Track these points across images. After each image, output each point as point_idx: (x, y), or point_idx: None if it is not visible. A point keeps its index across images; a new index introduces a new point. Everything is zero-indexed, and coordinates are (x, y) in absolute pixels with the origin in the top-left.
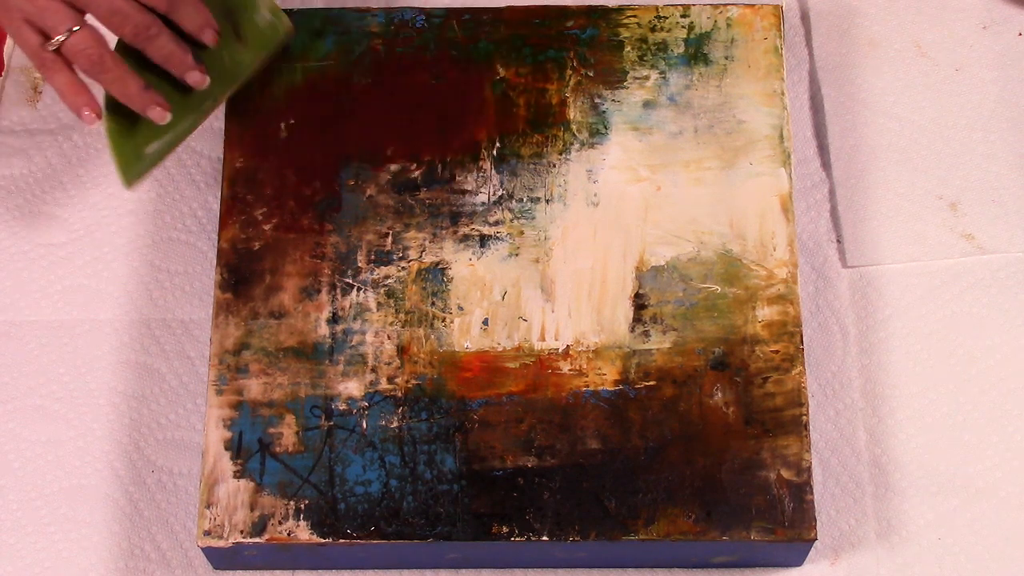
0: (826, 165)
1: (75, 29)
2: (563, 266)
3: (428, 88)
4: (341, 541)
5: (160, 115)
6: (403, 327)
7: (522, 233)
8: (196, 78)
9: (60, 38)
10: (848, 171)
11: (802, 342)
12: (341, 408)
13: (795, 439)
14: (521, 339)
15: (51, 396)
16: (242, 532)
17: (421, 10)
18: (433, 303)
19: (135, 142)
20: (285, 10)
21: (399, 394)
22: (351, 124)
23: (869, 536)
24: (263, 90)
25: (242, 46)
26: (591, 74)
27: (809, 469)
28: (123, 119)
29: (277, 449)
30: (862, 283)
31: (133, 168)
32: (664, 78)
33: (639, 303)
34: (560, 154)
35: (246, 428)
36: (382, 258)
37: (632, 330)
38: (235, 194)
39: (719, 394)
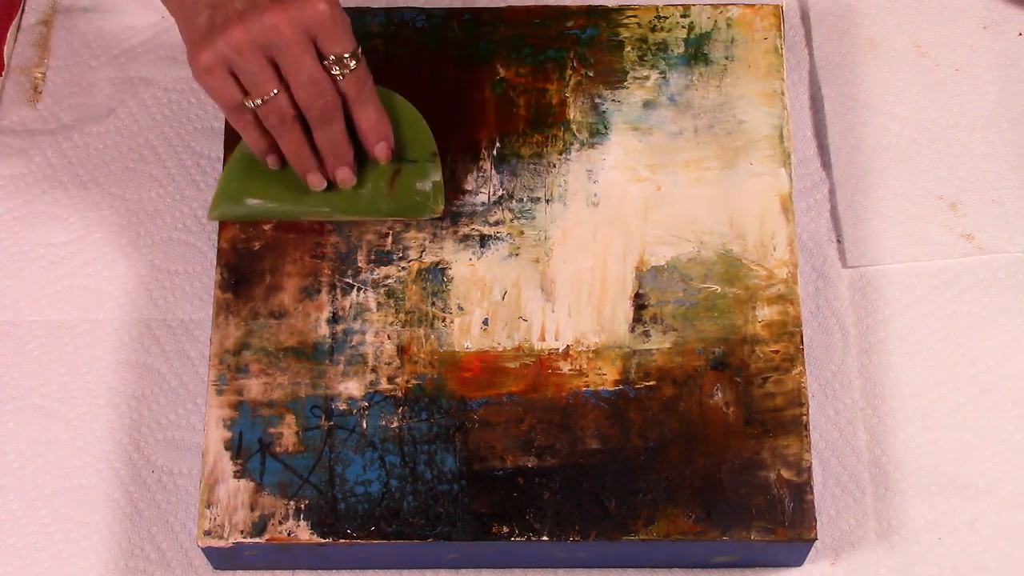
0: (826, 165)
1: (275, 93)
2: (563, 266)
3: (428, 88)
4: (341, 541)
5: (317, 181)
6: (403, 327)
7: (522, 233)
8: (345, 175)
9: (263, 99)
10: (848, 171)
11: (802, 342)
12: (341, 408)
13: (795, 439)
14: (521, 339)
15: (51, 396)
16: (242, 532)
17: (421, 10)
18: (433, 303)
19: (243, 186)
20: None
21: (399, 394)
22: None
23: (869, 536)
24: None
25: (388, 194)
26: (591, 74)
27: (809, 469)
28: (250, 162)
29: (277, 449)
30: (862, 283)
31: (224, 205)
32: (664, 78)
33: (639, 303)
34: (560, 154)
35: (246, 428)
36: (382, 258)
37: (632, 330)
38: None
39: (719, 394)
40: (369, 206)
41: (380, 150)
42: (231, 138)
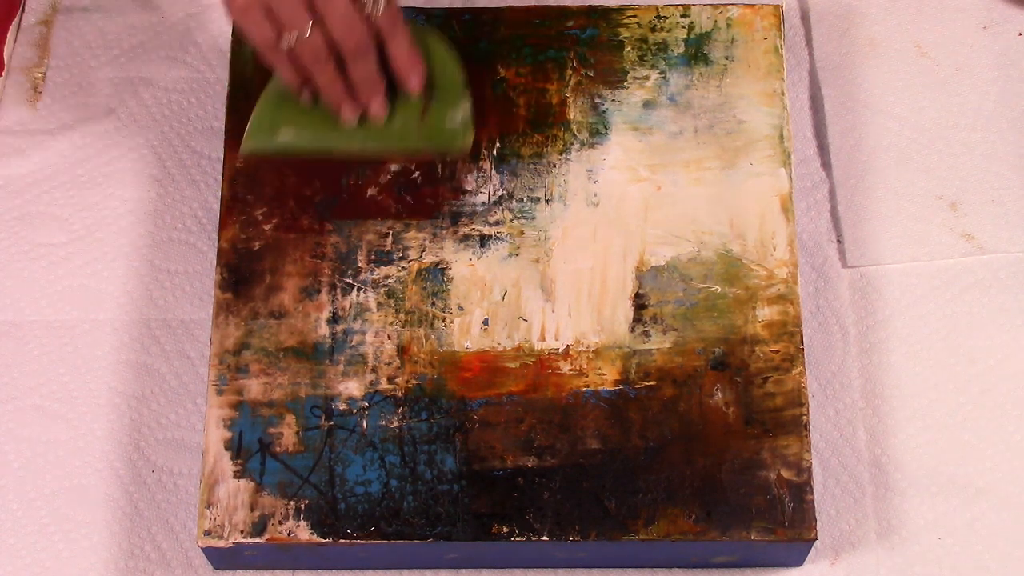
0: (826, 165)
1: (309, 30)
2: (563, 266)
3: None
4: (341, 541)
5: (351, 114)
6: (403, 327)
7: (522, 233)
8: (378, 106)
9: (296, 36)
10: (848, 171)
11: (802, 342)
12: (341, 408)
13: (795, 439)
14: (521, 339)
15: (51, 396)
16: (242, 532)
17: (421, 10)
18: (433, 303)
19: (277, 117)
20: None
21: (399, 394)
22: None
23: (869, 536)
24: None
25: (419, 127)
26: (591, 74)
27: (809, 469)
28: (283, 97)
29: (277, 449)
30: (862, 283)
31: (257, 137)
32: (664, 78)
33: (639, 303)
34: (560, 154)
35: (246, 428)
36: (382, 258)
37: (632, 330)
38: (235, 194)
39: (719, 394)
40: (400, 139)
41: (412, 83)
42: (231, 138)
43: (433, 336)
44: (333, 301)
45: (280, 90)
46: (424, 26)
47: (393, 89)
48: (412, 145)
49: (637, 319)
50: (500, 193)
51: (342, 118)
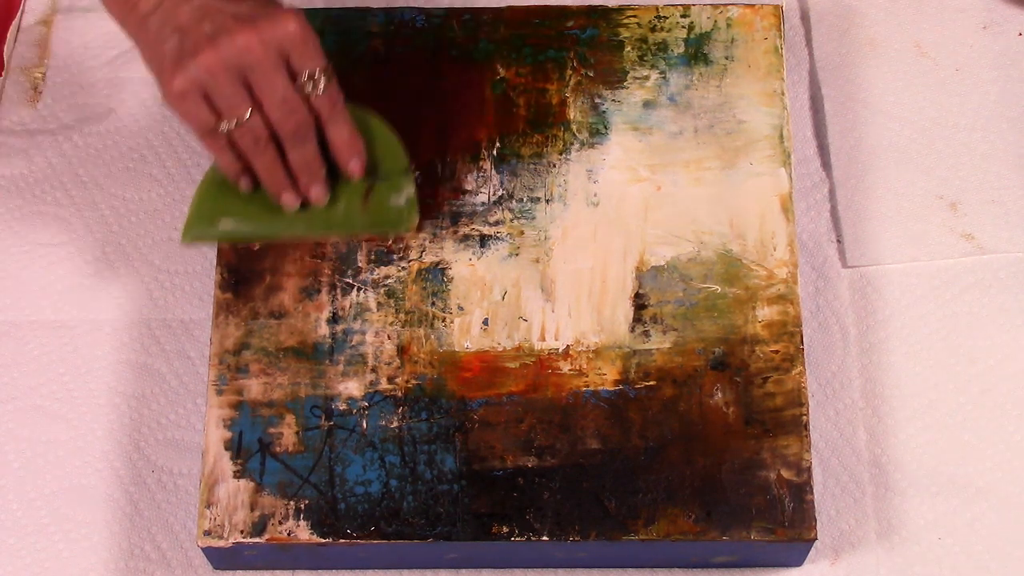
0: (826, 165)
1: (249, 114)
2: (563, 266)
3: (428, 88)
4: (341, 541)
5: (291, 200)
6: (403, 327)
7: (522, 233)
8: (319, 192)
9: (235, 121)
10: (848, 171)
11: (802, 342)
12: (341, 408)
13: (795, 439)
14: (521, 339)
15: (51, 396)
16: (242, 532)
17: (421, 10)
18: (433, 303)
19: (217, 207)
20: None
21: (399, 394)
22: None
23: (869, 536)
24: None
25: (363, 210)
26: (591, 74)
27: (809, 469)
28: (222, 186)
29: (277, 449)
30: (862, 283)
31: (198, 228)
32: (664, 78)
33: (639, 303)
34: (560, 154)
35: (246, 428)
36: (382, 258)
37: (632, 330)
38: None
39: (719, 394)
40: (344, 223)
41: (353, 166)
42: None
43: (433, 336)
44: (333, 301)
45: (219, 178)
46: (363, 109)
47: (334, 173)
48: (356, 228)
49: (637, 319)
50: (500, 193)
51: (282, 205)
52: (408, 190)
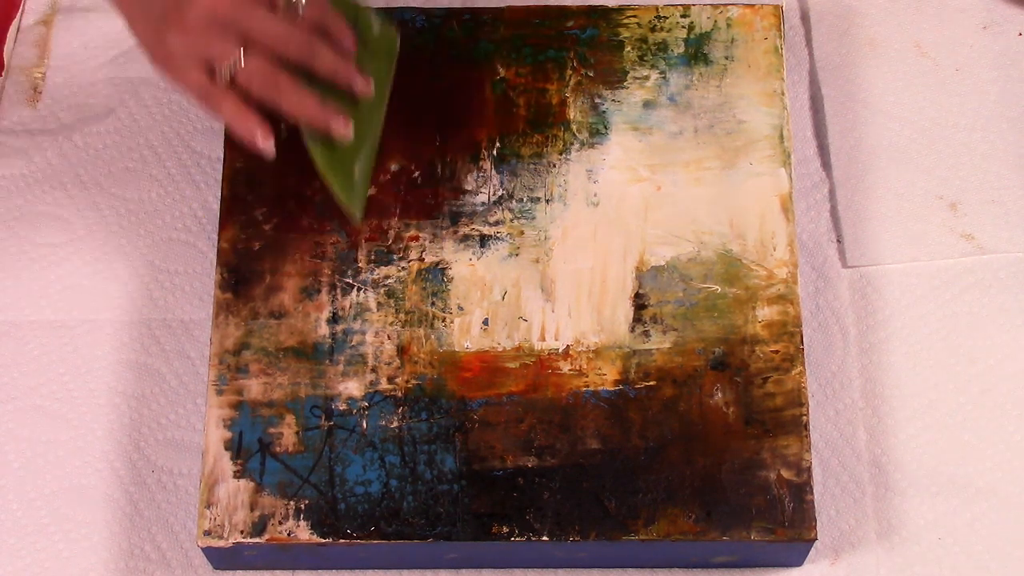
0: (826, 165)
1: (241, 56)
2: (563, 266)
3: (428, 88)
4: (341, 541)
5: (343, 125)
6: (403, 327)
7: (522, 233)
8: (362, 83)
9: (230, 65)
10: (848, 171)
11: (802, 342)
12: (341, 408)
13: (795, 439)
14: (521, 339)
15: (51, 396)
16: (242, 532)
17: (421, 10)
18: (433, 303)
19: (346, 170)
20: None
21: (399, 394)
22: None
23: (869, 536)
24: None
25: (373, 57)
26: (591, 74)
27: (809, 469)
28: (327, 152)
29: (277, 449)
30: (862, 283)
31: (354, 195)
32: (664, 78)
33: (639, 303)
34: (560, 154)
35: (246, 428)
36: (382, 258)
37: (632, 330)
38: (235, 194)
39: (719, 394)
40: (380, 78)
41: (349, 44)
42: (231, 138)
43: (433, 336)
44: (333, 301)
45: (322, 151)
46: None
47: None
48: (389, 75)
49: (637, 319)
50: (500, 193)
51: (333, 132)
52: (373, 16)
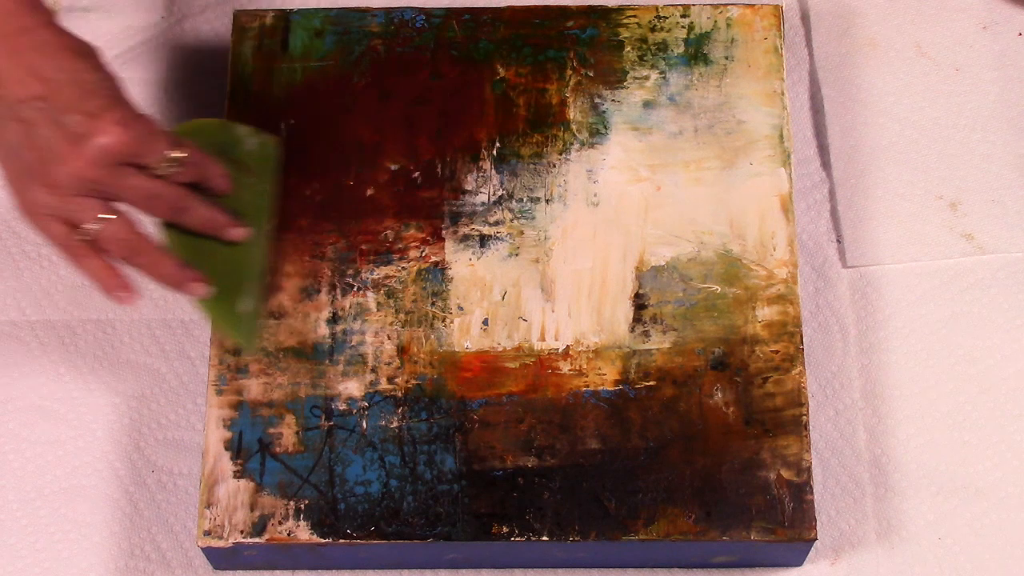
0: (826, 165)
1: (107, 218)
2: (563, 266)
3: (428, 88)
4: (341, 541)
5: (200, 290)
6: (403, 327)
7: (522, 233)
8: (237, 232)
9: (92, 227)
10: (848, 171)
11: (802, 342)
12: (341, 408)
13: (795, 439)
14: (521, 339)
15: (51, 396)
16: (242, 532)
17: (421, 10)
18: (433, 303)
19: (225, 306)
20: (286, 9)
21: (399, 394)
22: (351, 124)
23: (869, 536)
24: (263, 90)
25: (251, 175)
26: (591, 74)
27: (809, 469)
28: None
29: (277, 449)
30: (862, 283)
31: (240, 331)
32: (664, 78)
33: (639, 303)
34: (560, 154)
35: (246, 428)
36: (382, 258)
37: (632, 330)
38: None
39: (719, 394)
40: (261, 197)
41: (224, 184)
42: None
43: (433, 336)
44: (333, 301)
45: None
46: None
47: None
48: (269, 191)
49: (637, 319)
50: (500, 193)
51: (194, 295)
52: (244, 131)
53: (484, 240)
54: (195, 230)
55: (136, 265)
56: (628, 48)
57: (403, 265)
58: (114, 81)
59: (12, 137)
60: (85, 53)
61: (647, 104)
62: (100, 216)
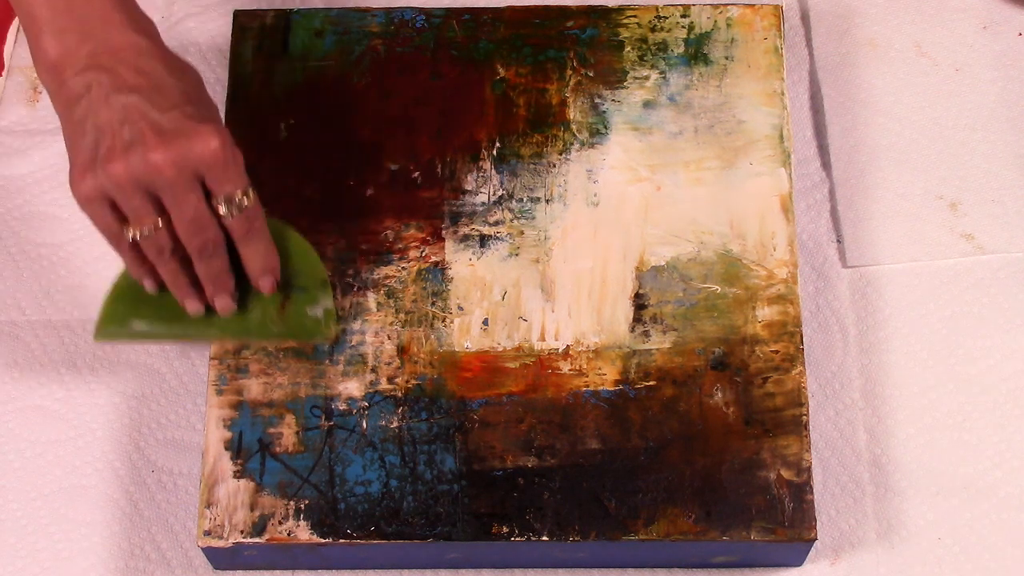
0: (826, 165)
1: (154, 227)
2: (563, 266)
3: (428, 88)
4: (341, 541)
5: (196, 307)
6: (403, 327)
7: (522, 233)
8: (224, 303)
9: (141, 233)
10: (848, 171)
11: (802, 342)
12: (341, 408)
13: (795, 439)
14: (521, 339)
15: (51, 396)
16: (242, 532)
17: (421, 10)
18: (433, 303)
19: (129, 307)
20: (286, 9)
21: (399, 394)
22: (351, 124)
23: (869, 536)
24: (263, 90)
25: (279, 320)
26: (591, 74)
27: (809, 469)
28: (133, 284)
29: (277, 449)
30: (862, 283)
31: (110, 327)
32: (664, 78)
33: (639, 303)
34: (560, 154)
35: (246, 428)
36: (382, 258)
37: (632, 330)
38: None
39: (719, 394)
40: (259, 330)
41: (264, 283)
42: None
43: (433, 336)
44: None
45: (132, 279)
46: (280, 222)
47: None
48: (271, 336)
49: (637, 319)
50: (500, 193)
51: (187, 310)
52: (325, 302)
53: (484, 240)
54: (199, 275)
55: (163, 273)
56: (628, 48)
57: (403, 265)
58: (216, 110)
59: (105, 118)
60: (192, 72)
61: (647, 104)
62: (151, 225)
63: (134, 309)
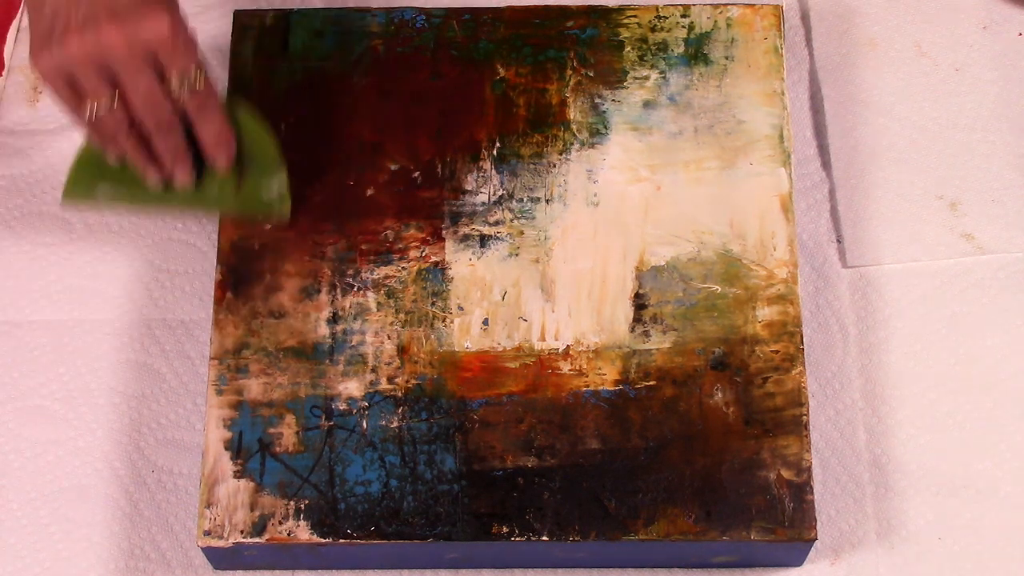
0: (826, 165)
1: (109, 103)
2: (563, 266)
3: (428, 88)
4: (341, 541)
5: (154, 179)
6: (403, 327)
7: (522, 233)
8: (183, 176)
9: (98, 108)
10: (848, 171)
11: (802, 342)
12: (341, 408)
13: (795, 439)
14: (521, 339)
15: (51, 396)
16: (242, 532)
17: (421, 10)
18: (433, 303)
19: (95, 171)
20: (286, 9)
21: (399, 394)
22: (351, 124)
23: (869, 536)
24: (263, 90)
25: (235, 195)
26: (591, 74)
27: (809, 469)
28: (100, 153)
29: (277, 449)
30: (862, 283)
31: (77, 190)
32: (664, 78)
33: (639, 303)
34: (560, 154)
35: (246, 428)
36: (382, 258)
37: (632, 330)
38: None
39: (719, 394)
40: (217, 202)
41: (220, 161)
42: None
43: (433, 336)
44: (333, 301)
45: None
46: (235, 100)
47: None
48: (228, 208)
49: (637, 319)
50: (500, 193)
51: (146, 181)
52: (280, 181)
53: (484, 240)
54: (156, 151)
55: (123, 148)
56: (628, 48)
57: (403, 265)
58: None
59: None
60: None
61: (647, 104)
62: (107, 100)
63: (100, 174)
